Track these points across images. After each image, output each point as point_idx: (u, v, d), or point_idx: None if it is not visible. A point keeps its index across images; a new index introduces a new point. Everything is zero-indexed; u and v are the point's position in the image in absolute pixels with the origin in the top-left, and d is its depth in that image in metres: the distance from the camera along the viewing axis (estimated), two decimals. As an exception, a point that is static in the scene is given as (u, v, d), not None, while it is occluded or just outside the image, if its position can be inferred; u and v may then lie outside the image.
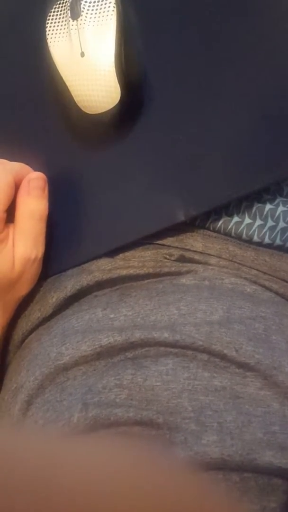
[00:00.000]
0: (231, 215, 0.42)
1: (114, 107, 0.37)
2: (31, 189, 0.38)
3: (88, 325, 0.37)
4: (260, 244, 0.42)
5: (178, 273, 0.40)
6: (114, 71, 0.36)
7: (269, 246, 0.42)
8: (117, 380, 0.33)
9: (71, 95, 0.38)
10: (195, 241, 0.42)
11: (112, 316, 0.37)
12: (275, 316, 0.38)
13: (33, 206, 0.38)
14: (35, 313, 0.41)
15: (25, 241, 0.38)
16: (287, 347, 0.36)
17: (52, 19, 0.39)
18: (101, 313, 0.37)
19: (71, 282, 0.41)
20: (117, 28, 0.36)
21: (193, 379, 0.33)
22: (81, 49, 0.36)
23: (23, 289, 0.40)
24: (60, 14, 0.38)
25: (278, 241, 0.42)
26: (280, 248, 0.42)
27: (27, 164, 0.40)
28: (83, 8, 0.37)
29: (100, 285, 0.41)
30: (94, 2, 0.37)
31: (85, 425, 0.31)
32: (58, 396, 0.34)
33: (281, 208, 0.42)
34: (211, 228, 0.42)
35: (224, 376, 0.33)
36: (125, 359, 0.34)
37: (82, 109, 0.38)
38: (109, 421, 0.31)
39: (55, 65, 0.38)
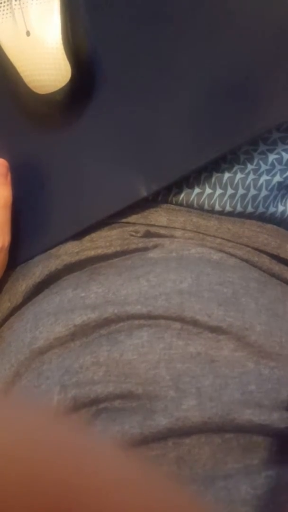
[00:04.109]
0: (192, 187, 0.42)
1: (65, 85, 0.37)
2: None
3: (60, 306, 0.37)
4: (222, 212, 0.43)
5: (146, 249, 0.41)
6: (62, 48, 0.36)
7: (231, 213, 0.43)
8: (93, 358, 0.33)
9: (20, 76, 0.37)
10: (159, 216, 0.42)
11: (83, 294, 0.37)
12: (242, 280, 0.39)
13: None
14: (5, 303, 0.41)
15: None
16: (256, 307, 0.37)
17: (-7, 0, 0.38)
18: (72, 293, 0.37)
19: (39, 268, 0.40)
20: (61, 5, 0.35)
21: (168, 349, 0.33)
22: (26, 28, 0.36)
23: None
24: (1, -5, 0.37)
25: (239, 208, 0.43)
26: (241, 214, 0.43)
27: None
28: (24, -13, 0.36)
29: (69, 269, 0.41)
30: (35, -20, 0.36)
31: (65, 407, 0.31)
32: (35, 382, 0.34)
33: (239, 176, 0.42)
34: (174, 202, 0.43)
35: (198, 342, 0.34)
36: (99, 336, 0.34)
37: (33, 89, 0.37)
38: (89, 399, 0.31)
39: (1, 47, 0.37)
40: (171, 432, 0.30)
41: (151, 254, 0.40)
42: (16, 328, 0.38)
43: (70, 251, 0.41)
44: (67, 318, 0.35)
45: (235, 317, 0.35)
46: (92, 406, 0.31)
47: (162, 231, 0.42)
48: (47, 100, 0.38)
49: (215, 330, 0.34)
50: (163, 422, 0.30)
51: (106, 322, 0.35)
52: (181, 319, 0.34)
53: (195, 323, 0.34)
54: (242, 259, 0.41)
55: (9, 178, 0.38)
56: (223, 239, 0.42)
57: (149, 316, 0.34)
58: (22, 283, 0.41)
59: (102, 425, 0.31)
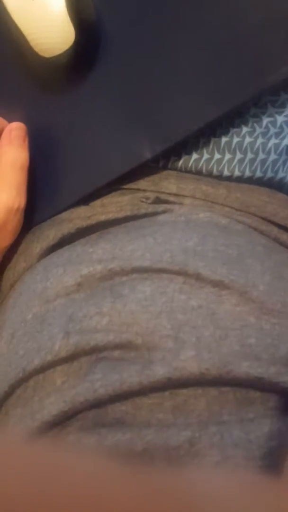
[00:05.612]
0: (200, 153, 0.43)
1: (70, 47, 0.37)
2: (12, 139, 0.40)
3: (68, 259, 0.38)
4: (230, 178, 0.43)
5: (155, 213, 0.41)
6: (66, 10, 0.36)
7: (239, 179, 0.43)
8: (97, 308, 0.34)
9: (27, 40, 0.38)
10: (169, 183, 0.43)
11: (91, 250, 0.38)
12: (248, 243, 0.39)
13: (15, 155, 0.40)
14: (21, 264, 0.42)
15: (9, 190, 0.39)
16: (261, 269, 0.37)
17: None
18: (80, 249, 0.39)
19: (52, 231, 0.42)
20: None
21: (170, 302, 0.34)
22: (31, -8, 0.37)
23: (6, 240, 0.41)
24: None
25: (247, 173, 0.43)
26: (250, 180, 0.43)
27: None
28: None
29: (81, 233, 0.42)
30: None
31: (67, 352, 0.33)
32: (38, 327, 0.35)
33: (247, 140, 0.42)
34: (183, 169, 0.43)
35: (200, 296, 0.34)
36: (103, 289, 0.35)
37: (39, 53, 0.38)
38: (89, 346, 0.32)
39: (7, 11, 0.38)
40: (169, 381, 0.31)
41: (160, 217, 0.40)
42: (27, 280, 0.39)
43: (82, 216, 0.42)
44: (74, 269, 0.36)
45: (239, 275, 0.35)
46: (92, 355, 0.32)
47: (172, 198, 0.42)
48: (53, 63, 0.38)
49: (217, 284, 0.34)
50: (160, 372, 0.31)
51: (111, 274, 0.35)
52: (184, 273, 0.35)
53: (197, 277, 0.34)
54: (250, 227, 0.41)
55: (26, 141, 0.40)
56: (232, 207, 0.42)
57: (152, 269, 0.35)
58: (37, 245, 0.42)
59: (101, 373, 0.31)
